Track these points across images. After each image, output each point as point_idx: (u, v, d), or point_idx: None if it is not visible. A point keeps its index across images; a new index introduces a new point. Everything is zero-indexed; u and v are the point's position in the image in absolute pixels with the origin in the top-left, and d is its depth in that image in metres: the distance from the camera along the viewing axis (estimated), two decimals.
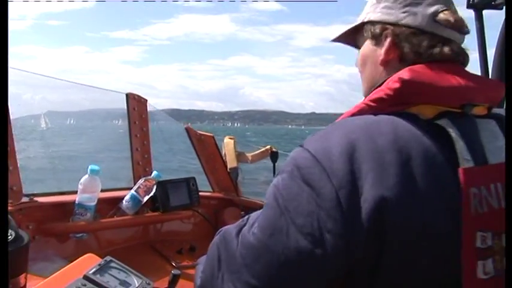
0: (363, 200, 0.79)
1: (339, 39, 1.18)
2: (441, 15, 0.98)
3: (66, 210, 1.84)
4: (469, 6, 2.01)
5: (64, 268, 1.16)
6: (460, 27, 0.99)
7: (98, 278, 1.10)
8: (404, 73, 0.91)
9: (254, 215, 0.91)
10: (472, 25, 1.85)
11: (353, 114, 0.94)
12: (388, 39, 1.00)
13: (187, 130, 2.70)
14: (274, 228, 0.84)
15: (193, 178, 2.32)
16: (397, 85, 0.90)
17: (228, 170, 2.73)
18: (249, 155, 2.90)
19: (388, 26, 1.01)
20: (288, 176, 0.86)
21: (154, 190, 2.07)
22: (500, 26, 1.85)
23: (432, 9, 0.99)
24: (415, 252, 0.81)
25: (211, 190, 2.73)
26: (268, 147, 2.89)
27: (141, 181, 2.07)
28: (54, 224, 1.80)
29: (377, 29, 1.03)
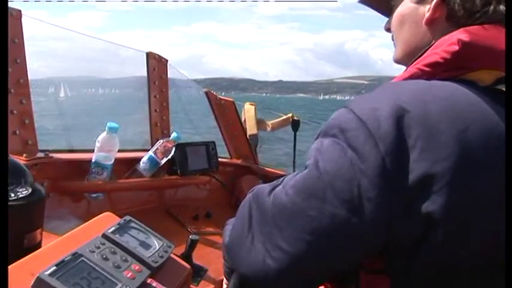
0: (409, 171, 0.72)
1: (368, 2, 1.08)
2: None
3: (82, 168, 1.78)
4: None
5: (81, 226, 1.10)
6: None
7: (117, 237, 1.03)
8: (462, 35, 0.82)
9: (291, 175, 0.85)
10: None
11: (404, 79, 0.85)
12: None
13: (207, 94, 2.62)
14: (310, 190, 0.78)
15: (213, 142, 2.26)
16: (455, 48, 0.80)
17: (248, 136, 2.66)
18: (270, 122, 2.83)
19: None
20: (329, 139, 0.79)
21: (173, 152, 2.00)
22: None
23: None
24: (465, 234, 0.74)
25: (228, 156, 2.67)
26: (290, 115, 2.81)
27: (159, 142, 2.00)
28: (70, 182, 1.74)
29: None
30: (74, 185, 1.76)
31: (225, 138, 2.66)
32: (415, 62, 0.87)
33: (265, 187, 0.88)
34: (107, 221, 1.11)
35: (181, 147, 2.05)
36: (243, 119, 2.70)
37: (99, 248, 0.99)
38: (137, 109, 2.42)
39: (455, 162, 0.72)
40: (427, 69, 0.84)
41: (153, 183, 2.03)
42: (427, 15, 0.91)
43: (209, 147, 2.21)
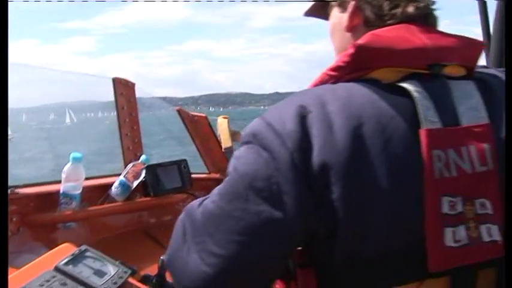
0: (313, 164, 0.79)
1: (310, 12, 1.15)
2: None
3: (51, 200, 1.80)
4: None
5: (37, 259, 1.12)
6: None
7: (69, 268, 1.05)
8: (362, 38, 0.89)
9: (217, 187, 0.90)
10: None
11: (316, 85, 0.92)
12: (351, 4, 0.97)
13: (180, 112, 2.65)
14: (233, 193, 0.84)
15: (185, 160, 2.28)
16: (351, 51, 0.87)
17: (223, 150, 2.68)
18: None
19: None
20: (246, 145, 0.86)
21: (143, 174, 2.03)
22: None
23: None
24: (368, 220, 0.80)
25: (207, 171, 2.69)
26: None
27: (129, 166, 2.02)
28: (41, 215, 1.76)
29: None
30: (45, 217, 1.77)
31: (202, 154, 2.67)
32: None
33: (196, 202, 0.92)
34: (63, 252, 1.13)
35: (151, 168, 2.08)
36: (217, 133, 2.72)
37: (48, 281, 1.01)
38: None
39: (350, 155, 0.79)
40: (333, 73, 0.90)
41: (127, 207, 2.05)
42: (346, 23, 0.99)
43: (181, 165, 2.23)
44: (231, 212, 0.83)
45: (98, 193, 2.02)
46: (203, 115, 2.68)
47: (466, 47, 0.94)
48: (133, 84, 2.39)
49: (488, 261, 0.85)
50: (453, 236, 0.81)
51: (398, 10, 0.93)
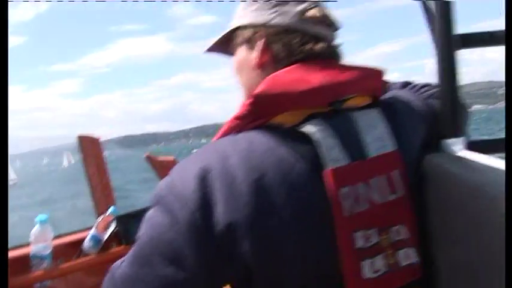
0: (215, 223, 0.79)
1: (213, 49, 1.15)
2: (310, 12, 0.97)
3: (24, 263, 1.88)
4: None
5: None
6: (329, 23, 0.99)
7: None
8: (260, 85, 0.90)
9: (132, 248, 0.92)
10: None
11: (223, 134, 0.93)
12: (261, 41, 0.98)
13: (148, 159, 2.74)
14: (142, 258, 0.85)
15: None
16: (250, 100, 0.88)
17: None
18: None
19: (259, 28, 0.99)
20: (154, 207, 0.87)
21: (113, 226, 2.11)
22: None
23: (300, 7, 0.97)
24: (282, 269, 0.81)
25: None
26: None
27: (98, 219, 2.11)
28: (14, 278, 1.84)
29: (248, 32, 1.01)
30: (18, 280, 1.85)
31: None
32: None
33: (118, 262, 0.95)
34: None
35: (121, 218, 2.16)
36: None
37: None
38: None
39: (254, 208, 0.79)
40: (236, 122, 0.91)
41: (101, 259, 2.12)
42: (255, 60, 0.99)
43: None
44: (142, 277, 0.85)
45: (73, 249, 2.10)
46: (171, 159, 2.77)
47: (367, 78, 0.96)
48: (98, 139, 2.49)
49: (409, 283, 0.86)
50: (371, 268, 0.82)
51: (307, 47, 0.95)
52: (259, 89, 0.89)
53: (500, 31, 1.03)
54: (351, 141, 0.86)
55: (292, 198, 0.81)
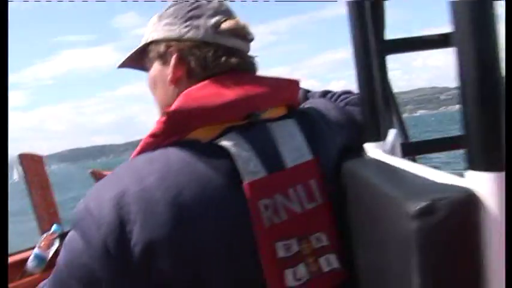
0: (133, 244, 0.78)
1: (127, 64, 1.13)
2: (223, 25, 0.97)
3: None
4: None
5: None
6: (244, 35, 1.00)
7: None
8: (175, 102, 0.89)
9: (52, 272, 0.92)
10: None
11: (138, 153, 0.91)
12: (174, 56, 0.97)
13: (93, 174, 2.73)
14: (60, 282, 0.86)
15: None
16: (164, 118, 0.87)
17: None
18: None
19: (172, 43, 0.98)
20: (71, 231, 0.86)
21: (57, 243, 2.10)
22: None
23: (213, 20, 0.97)
24: (207, 285, 0.81)
25: None
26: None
27: (42, 237, 2.10)
28: None
29: (161, 47, 1.00)
30: None
31: None
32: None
33: (42, 283, 0.97)
34: None
35: (64, 235, 2.14)
36: None
37: None
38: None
39: (172, 226, 0.78)
40: (151, 139, 0.90)
41: (46, 277, 2.11)
42: (170, 76, 0.98)
43: None
44: None
45: (18, 269, 2.07)
46: None
47: (282, 89, 0.97)
48: (40, 157, 2.47)
49: None
50: (294, 276, 0.83)
51: (222, 60, 0.95)
52: (173, 106, 0.88)
53: (429, 35, 1.06)
54: (268, 152, 0.87)
55: (211, 213, 0.80)
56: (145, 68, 1.09)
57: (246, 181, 0.82)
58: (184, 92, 0.91)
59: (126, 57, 1.10)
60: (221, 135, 0.87)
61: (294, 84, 1.01)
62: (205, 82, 0.93)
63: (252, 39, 1.02)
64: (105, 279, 0.80)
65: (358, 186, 0.85)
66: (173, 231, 0.78)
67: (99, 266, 0.80)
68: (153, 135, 0.90)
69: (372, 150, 0.96)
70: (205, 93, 0.90)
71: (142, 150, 0.90)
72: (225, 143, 0.85)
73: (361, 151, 0.98)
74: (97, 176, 2.72)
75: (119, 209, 0.80)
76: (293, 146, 0.89)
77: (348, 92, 1.25)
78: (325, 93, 1.29)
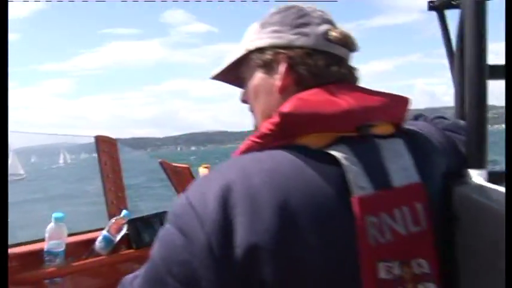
0: (236, 246, 0.76)
1: (220, 76, 1.11)
2: (332, 34, 0.95)
3: (36, 258, 1.90)
4: (430, 8, 1.94)
5: None
6: (350, 44, 0.98)
7: None
8: (288, 104, 0.86)
9: (144, 266, 0.89)
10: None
11: (242, 152, 0.89)
12: (283, 64, 0.94)
13: (162, 164, 2.76)
14: (154, 279, 0.83)
15: (166, 212, 2.36)
16: (277, 119, 0.85)
17: None
18: None
19: (280, 50, 0.95)
20: (168, 225, 0.84)
21: (125, 229, 2.13)
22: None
23: (322, 28, 0.96)
24: None
25: None
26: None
27: (111, 221, 2.13)
28: (26, 273, 1.86)
29: (267, 55, 0.97)
30: (31, 275, 1.87)
31: None
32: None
33: (130, 277, 0.94)
34: None
35: (132, 222, 2.17)
36: None
37: None
38: None
39: (277, 232, 0.75)
40: (258, 140, 0.87)
41: (111, 260, 2.13)
42: (278, 84, 0.95)
43: (162, 217, 2.32)
44: None
45: (84, 248, 2.11)
46: (186, 166, 2.79)
47: (393, 105, 0.93)
48: (115, 141, 2.52)
49: None
50: None
51: (333, 69, 0.93)
52: (286, 109, 0.85)
53: None
54: (376, 169, 0.84)
55: (319, 223, 0.78)
56: (237, 79, 1.07)
57: (355, 195, 0.79)
58: (295, 97, 0.89)
59: (223, 67, 1.08)
60: (331, 144, 0.84)
61: (404, 101, 0.97)
62: (317, 89, 0.90)
63: (356, 50, 1.00)
64: (206, 279, 0.77)
65: (477, 214, 0.82)
66: (279, 237, 0.76)
67: (200, 265, 0.77)
68: (261, 136, 0.87)
69: (476, 177, 0.93)
70: (319, 98, 0.87)
71: (247, 150, 0.88)
72: (337, 153, 0.82)
73: (464, 177, 0.95)
74: (165, 166, 2.76)
75: (224, 207, 0.77)
76: (401, 165, 0.86)
77: (441, 117, 1.20)
78: (417, 116, 1.24)
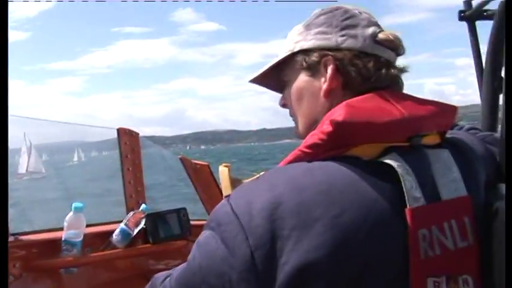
0: (283, 263, 0.72)
1: (259, 79, 1.08)
2: (380, 36, 0.92)
3: (54, 247, 1.89)
4: (461, 18, 1.93)
5: None
6: (397, 47, 0.95)
7: None
8: (339, 112, 0.82)
9: (180, 266, 0.88)
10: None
11: (289, 162, 0.85)
12: (331, 66, 0.91)
13: (182, 160, 2.74)
14: (189, 284, 0.82)
15: (184, 209, 2.35)
16: (330, 129, 0.81)
17: (224, 197, 2.74)
18: (246, 181, 2.91)
19: (327, 52, 0.92)
20: (208, 232, 0.81)
21: (143, 223, 2.12)
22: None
23: (370, 30, 0.93)
24: None
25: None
26: (262, 173, 2.90)
27: (130, 214, 2.11)
28: (43, 261, 1.86)
29: (313, 57, 0.93)
30: (47, 262, 1.87)
31: (203, 201, 2.75)
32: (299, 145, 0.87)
33: (160, 277, 0.93)
34: None
35: (150, 216, 2.16)
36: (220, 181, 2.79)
37: None
38: None
39: (331, 248, 0.72)
40: (308, 150, 0.83)
41: (127, 253, 2.13)
42: (325, 86, 0.92)
43: (180, 213, 2.30)
44: None
45: (100, 240, 2.10)
46: (205, 163, 2.77)
47: (441, 114, 0.90)
48: (137, 134, 2.50)
49: None
50: None
51: (383, 72, 0.90)
52: (339, 117, 0.81)
53: None
54: (426, 180, 0.81)
55: (374, 237, 0.74)
56: (277, 82, 1.04)
57: (409, 207, 0.77)
58: (347, 103, 0.85)
59: (265, 69, 1.04)
60: (382, 154, 0.82)
61: (452, 110, 0.94)
62: (368, 95, 0.87)
63: (403, 53, 0.97)
64: None
65: None
66: (332, 255, 0.72)
67: (240, 279, 0.74)
68: (312, 146, 0.83)
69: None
70: (372, 106, 0.84)
71: (295, 160, 0.84)
72: (393, 162, 0.79)
73: (498, 190, 0.90)
74: (185, 163, 2.74)
75: (272, 221, 0.74)
76: (450, 178, 0.83)
77: (475, 128, 1.17)
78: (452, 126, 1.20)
